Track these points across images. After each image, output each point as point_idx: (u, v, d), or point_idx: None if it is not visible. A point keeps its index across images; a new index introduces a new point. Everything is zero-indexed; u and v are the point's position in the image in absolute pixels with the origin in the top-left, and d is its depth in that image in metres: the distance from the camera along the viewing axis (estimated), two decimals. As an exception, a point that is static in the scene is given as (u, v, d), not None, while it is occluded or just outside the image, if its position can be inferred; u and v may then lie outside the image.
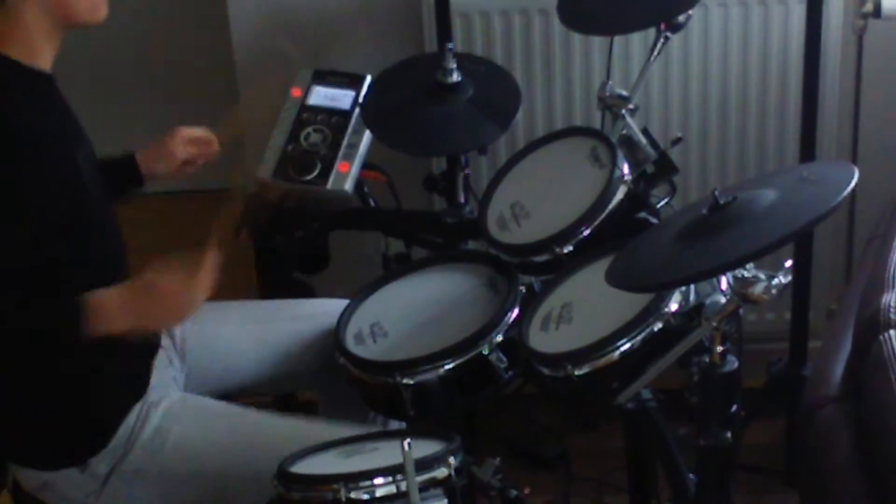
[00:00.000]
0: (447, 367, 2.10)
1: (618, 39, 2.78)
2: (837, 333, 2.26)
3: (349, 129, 2.65)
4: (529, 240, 2.28)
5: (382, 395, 2.15)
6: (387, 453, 1.92)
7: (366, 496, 1.85)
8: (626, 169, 2.27)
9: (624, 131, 2.38)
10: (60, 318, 1.92)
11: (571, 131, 2.49)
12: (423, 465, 1.86)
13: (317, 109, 2.69)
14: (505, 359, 2.13)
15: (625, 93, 2.42)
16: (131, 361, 2.12)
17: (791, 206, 1.80)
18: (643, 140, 2.35)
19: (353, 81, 2.71)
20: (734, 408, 1.91)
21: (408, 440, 1.70)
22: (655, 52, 2.50)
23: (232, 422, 2.15)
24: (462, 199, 2.68)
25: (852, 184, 1.76)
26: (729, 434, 1.90)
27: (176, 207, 3.25)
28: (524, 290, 2.21)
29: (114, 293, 1.94)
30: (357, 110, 2.66)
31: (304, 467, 1.95)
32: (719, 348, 1.87)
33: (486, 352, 2.11)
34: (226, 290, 2.12)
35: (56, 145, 1.96)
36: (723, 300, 1.93)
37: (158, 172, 2.31)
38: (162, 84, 3.72)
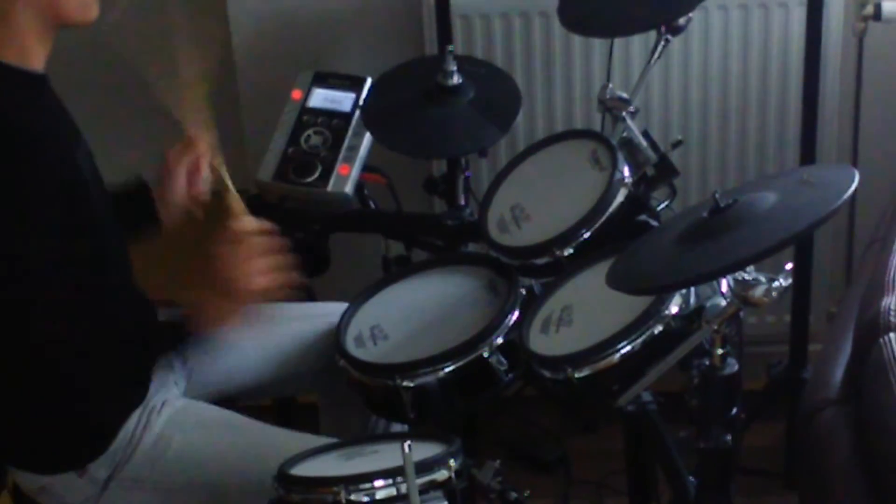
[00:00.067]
0: (447, 369, 2.10)
1: (618, 42, 2.79)
2: (837, 336, 2.26)
3: (349, 132, 2.66)
4: (530, 242, 2.28)
5: (382, 397, 2.15)
6: (387, 455, 1.92)
7: (366, 498, 1.85)
8: (626, 171, 2.27)
9: (624, 134, 2.38)
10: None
11: (572, 134, 2.49)
12: (424, 467, 1.86)
13: (317, 112, 2.69)
14: (505, 361, 2.13)
15: (625, 95, 2.42)
16: (132, 365, 2.11)
17: (791, 208, 1.80)
18: (643, 143, 2.35)
19: (354, 84, 2.71)
20: (734, 410, 1.91)
21: (408, 442, 1.69)
22: (656, 55, 2.49)
23: (235, 432, 2.15)
24: (462, 202, 2.68)
25: (853, 187, 1.76)
26: (729, 437, 1.90)
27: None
28: (524, 293, 2.21)
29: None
30: (357, 112, 2.66)
31: (304, 469, 1.95)
32: (719, 351, 1.87)
33: (486, 354, 2.11)
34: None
35: (54, 144, 1.96)
36: (723, 303, 1.93)
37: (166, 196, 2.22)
38: (160, 84, 3.71)
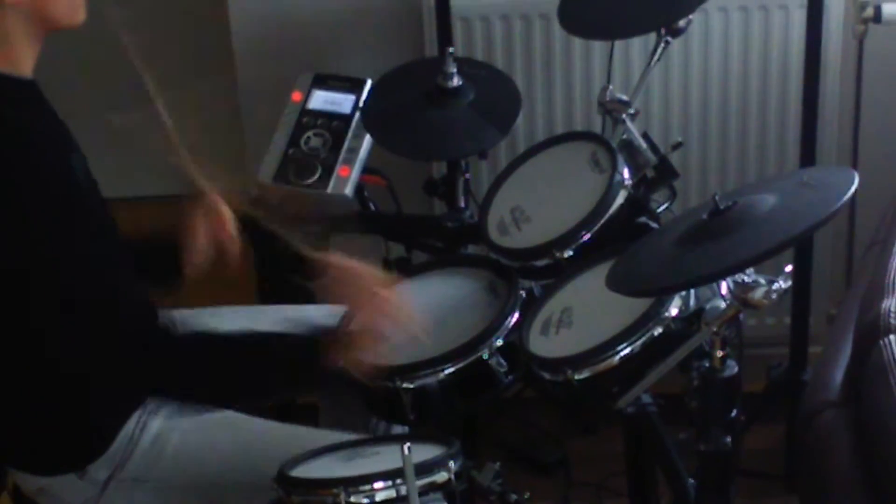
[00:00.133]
0: (447, 371, 2.10)
1: (618, 44, 2.79)
2: (837, 338, 2.26)
3: (349, 133, 2.65)
4: (530, 244, 2.28)
5: (383, 399, 2.15)
6: (387, 457, 1.91)
7: (366, 500, 1.85)
8: (626, 173, 2.27)
9: (624, 136, 2.38)
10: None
11: (572, 136, 2.49)
12: (424, 469, 1.86)
13: (317, 113, 2.69)
14: (505, 363, 2.13)
15: (625, 97, 2.43)
16: (132, 367, 2.11)
17: (791, 211, 1.80)
18: (643, 145, 2.35)
19: (354, 85, 2.71)
20: (734, 412, 1.91)
21: (408, 444, 1.69)
22: (656, 57, 2.50)
23: (233, 430, 2.15)
24: (462, 204, 2.67)
25: (852, 189, 1.76)
26: (729, 439, 1.90)
27: (174, 211, 3.23)
28: (524, 295, 2.21)
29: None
30: (357, 114, 2.66)
31: (304, 471, 1.95)
32: (719, 353, 1.87)
33: (486, 356, 2.11)
34: (225, 295, 2.12)
35: (48, 149, 1.95)
36: (723, 305, 1.93)
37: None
38: (161, 84, 3.71)
